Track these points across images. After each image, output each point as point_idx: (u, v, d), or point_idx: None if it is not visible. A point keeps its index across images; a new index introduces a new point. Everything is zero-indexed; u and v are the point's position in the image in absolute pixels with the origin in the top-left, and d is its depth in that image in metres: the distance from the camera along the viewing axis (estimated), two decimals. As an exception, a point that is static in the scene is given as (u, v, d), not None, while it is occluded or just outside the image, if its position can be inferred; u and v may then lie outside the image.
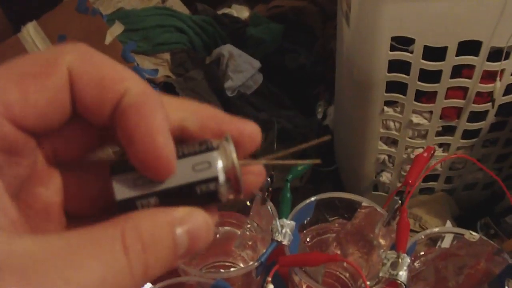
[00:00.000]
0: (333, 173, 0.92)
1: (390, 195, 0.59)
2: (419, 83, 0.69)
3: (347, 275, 0.62)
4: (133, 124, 0.24)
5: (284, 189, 0.58)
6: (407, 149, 0.78)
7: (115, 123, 0.24)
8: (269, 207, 0.58)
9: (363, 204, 0.59)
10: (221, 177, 0.24)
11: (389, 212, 0.56)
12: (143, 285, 0.23)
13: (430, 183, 0.81)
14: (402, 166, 0.79)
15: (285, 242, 0.54)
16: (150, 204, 0.24)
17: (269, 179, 0.57)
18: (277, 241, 0.54)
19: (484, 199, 0.85)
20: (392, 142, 0.79)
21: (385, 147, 0.79)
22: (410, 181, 0.54)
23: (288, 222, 0.55)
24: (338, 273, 0.63)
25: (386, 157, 0.80)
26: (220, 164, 0.24)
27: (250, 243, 0.64)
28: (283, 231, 0.54)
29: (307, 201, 0.59)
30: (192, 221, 0.24)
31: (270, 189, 0.57)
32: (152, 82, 0.98)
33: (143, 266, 0.22)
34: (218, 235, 0.65)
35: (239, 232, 0.65)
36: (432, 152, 0.56)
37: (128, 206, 0.24)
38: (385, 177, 0.83)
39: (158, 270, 0.23)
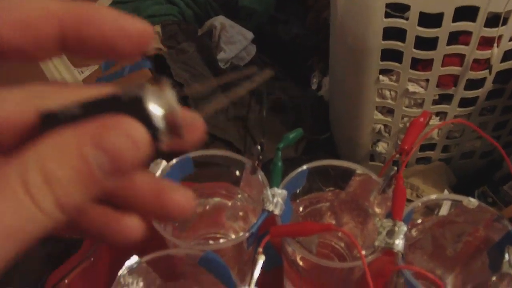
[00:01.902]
0: (329, 143, 0.91)
1: (386, 163, 0.57)
2: (415, 50, 0.67)
3: (342, 245, 0.61)
4: None
5: (275, 158, 0.56)
6: (403, 118, 0.76)
7: None
8: (259, 176, 0.56)
9: (358, 171, 0.57)
10: (149, 94, 0.22)
11: (384, 179, 0.54)
12: (70, 217, 0.21)
13: (427, 152, 0.80)
14: (398, 136, 0.78)
15: (276, 212, 0.52)
16: (70, 114, 0.21)
17: (259, 147, 0.55)
18: (268, 211, 0.52)
19: (482, 168, 0.84)
20: (388, 111, 0.77)
21: (381, 116, 0.77)
22: (405, 147, 0.52)
23: (280, 191, 0.54)
24: (333, 243, 0.61)
25: (382, 127, 0.79)
26: (152, 92, 0.22)
27: (241, 214, 0.62)
28: (275, 200, 0.53)
29: (299, 169, 0.57)
30: (107, 134, 0.21)
31: (261, 157, 0.55)
32: (143, 54, 0.96)
33: (54, 201, 0.20)
34: (208, 207, 0.64)
35: (229, 203, 0.63)
36: (428, 117, 0.54)
37: (51, 119, 0.22)
38: (381, 147, 0.82)
39: (79, 198, 0.21)
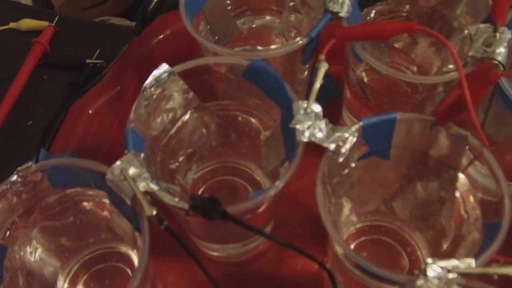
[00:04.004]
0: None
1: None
2: None
3: (415, 69, 0.50)
4: None
5: None
6: None
7: None
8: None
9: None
10: None
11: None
12: None
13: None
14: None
15: (342, 14, 0.41)
16: None
17: None
18: (332, 12, 0.41)
19: None
20: None
21: None
22: None
23: (346, -10, 0.42)
24: (403, 67, 0.51)
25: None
26: None
27: (293, 33, 0.52)
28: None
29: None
30: None
31: None
32: None
33: None
34: (254, 25, 0.53)
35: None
36: None
37: None
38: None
39: None
